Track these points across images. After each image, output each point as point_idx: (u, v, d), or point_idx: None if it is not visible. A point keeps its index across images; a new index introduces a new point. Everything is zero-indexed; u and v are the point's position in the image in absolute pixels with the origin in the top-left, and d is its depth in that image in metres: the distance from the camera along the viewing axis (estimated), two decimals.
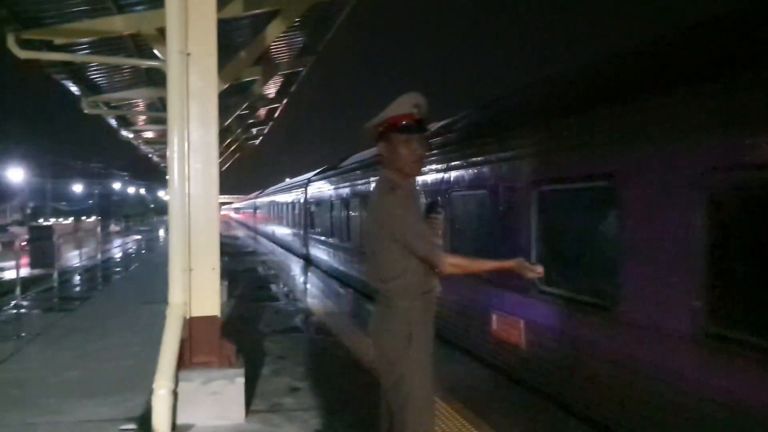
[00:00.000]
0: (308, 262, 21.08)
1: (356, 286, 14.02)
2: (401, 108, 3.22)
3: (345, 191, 15.79)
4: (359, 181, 14.29)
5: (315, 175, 21.49)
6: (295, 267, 19.71)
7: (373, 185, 14.56)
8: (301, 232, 23.13)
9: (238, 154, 29.22)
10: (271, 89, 15.82)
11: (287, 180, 35.74)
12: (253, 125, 21.20)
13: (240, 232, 48.78)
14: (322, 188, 19.24)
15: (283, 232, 29.30)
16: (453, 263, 3.21)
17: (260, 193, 47.07)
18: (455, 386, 6.05)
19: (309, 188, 21.57)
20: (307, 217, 21.95)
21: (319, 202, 19.75)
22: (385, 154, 3.32)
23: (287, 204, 27.37)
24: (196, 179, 5.43)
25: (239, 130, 19.68)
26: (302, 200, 22.65)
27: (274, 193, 34.90)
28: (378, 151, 3.37)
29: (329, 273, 17.57)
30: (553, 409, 5.74)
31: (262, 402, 5.80)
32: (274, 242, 32.08)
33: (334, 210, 17.14)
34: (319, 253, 19.67)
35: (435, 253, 3.18)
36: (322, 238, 19.03)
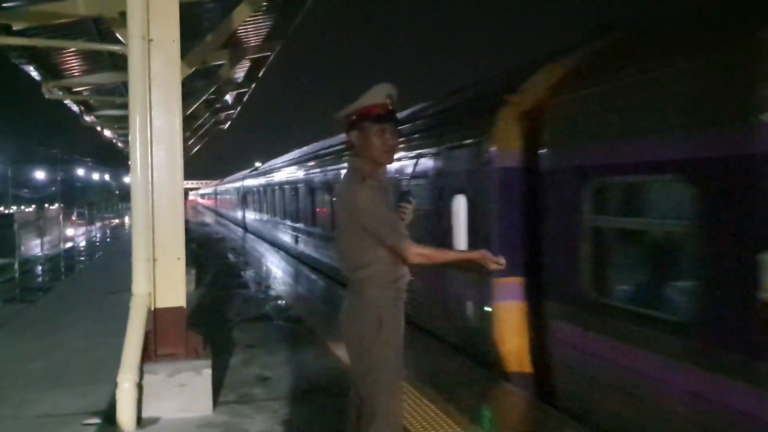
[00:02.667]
0: (245, 229, 31.03)
1: (270, 241, 22.08)
2: (375, 98, 3.25)
3: (261, 185, 25.21)
4: (268, 180, 23.09)
5: (248, 173, 33.18)
6: (265, 253, 19.63)
7: (265, 182, 19.83)
8: (241, 211, 33.73)
9: (206, 139, 28.85)
10: (239, 73, 15.57)
11: (234, 174, 46.45)
12: (221, 110, 20.89)
13: (208, 218, 48.90)
14: (250, 183, 29.62)
15: (231, 211, 41.01)
16: (419, 253, 3.22)
17: (219, 182, 59.30)
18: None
19: (244, 182, 32.32)
20: (244, 200, 32.33)
21: (248, 191, 30.12)
22: (356, 143, 3.33)
23: (233, 190, 39.46)
24: (159, 167, 5.32)
25: (207, 115, 19.37)
26: (241, 190, 33.67)
27: (225, 183, 48.03)
28: (349, 140, 3.38)
29: (254, 233, 27.39)
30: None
31: (231, 392, 5.73)
32: (227, 219, 42.95)
33: (254, 196, 27.55)
34: (250, 222, 29.76)
35: (402, 243, 3.20)
36: (251, 214, 29.29)
